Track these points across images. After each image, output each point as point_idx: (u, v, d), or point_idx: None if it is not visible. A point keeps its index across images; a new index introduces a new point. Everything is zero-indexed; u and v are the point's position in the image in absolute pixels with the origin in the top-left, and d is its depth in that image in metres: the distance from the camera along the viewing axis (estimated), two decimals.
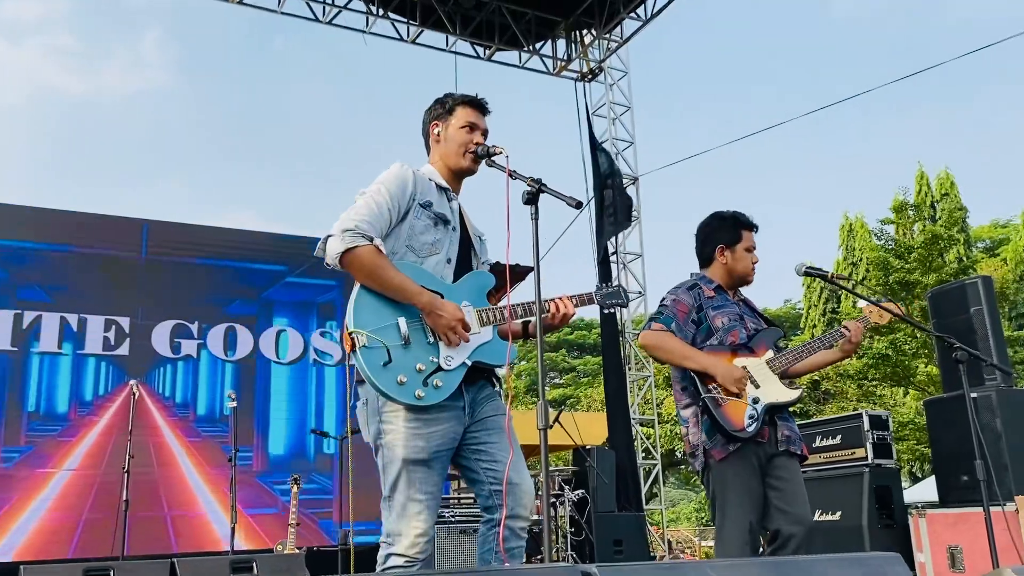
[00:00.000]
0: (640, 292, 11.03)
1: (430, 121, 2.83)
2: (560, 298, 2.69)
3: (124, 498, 4.97)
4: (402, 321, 2.47)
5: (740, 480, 3.25)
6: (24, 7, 63.87)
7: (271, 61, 69.91)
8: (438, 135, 2.79)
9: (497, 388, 2.68)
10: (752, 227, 3.61)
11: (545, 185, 2.37)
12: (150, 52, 67.07)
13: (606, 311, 3.16)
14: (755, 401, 3.28)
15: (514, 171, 2.50)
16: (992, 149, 52.77)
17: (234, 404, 5.54)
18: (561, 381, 39.32)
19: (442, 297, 2.54)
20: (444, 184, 2.74)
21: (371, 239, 2.45)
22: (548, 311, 2.65)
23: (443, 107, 2.81)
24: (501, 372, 2.74)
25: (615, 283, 2.73)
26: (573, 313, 2.67)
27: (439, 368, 2.50)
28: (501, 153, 2.62)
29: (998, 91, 53.43)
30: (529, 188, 2.37)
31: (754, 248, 3.57)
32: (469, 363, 2.55)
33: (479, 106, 2.80)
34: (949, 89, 56.91)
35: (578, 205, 2.31)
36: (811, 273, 3.37)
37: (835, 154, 61.07)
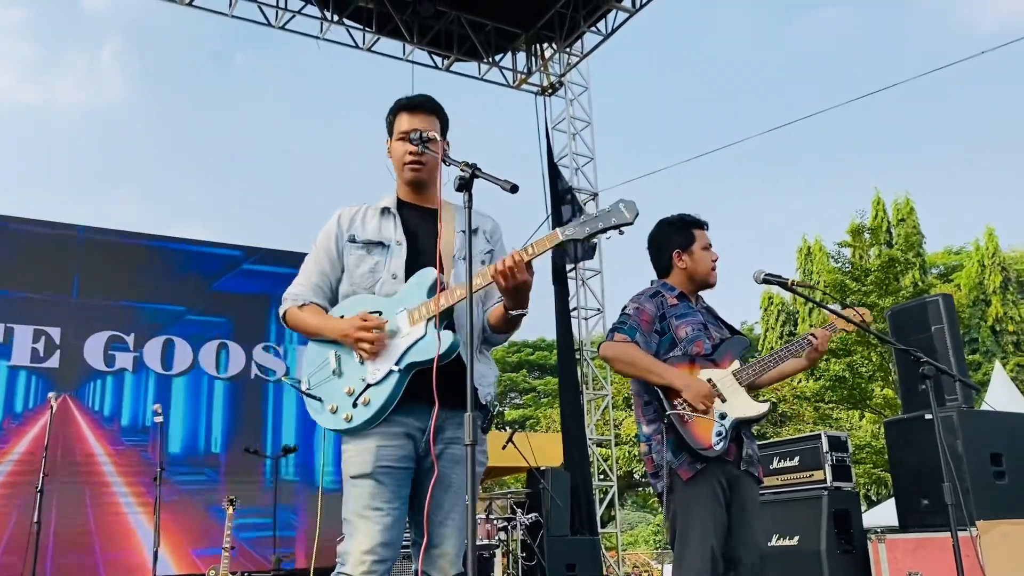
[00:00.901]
0: (599, 309, 10.84)
1: (386, 140, 2.71)
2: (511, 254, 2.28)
3: (35, 520, 4.58)
4: (331, 354, 2.48)
5: (705, 502, 3.04)
6: None
7: (230, 77, 69.14)
8: (388, 152, 2.69)
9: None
10: (702, 225, 3.44)
11: (479, 169, 2.14)
12: (108, 64, 65.90)
13: (590, 241, 2.63)
14: (722, 417, 3.08)
15: (447, 156, 2.27)
16: (945, 176, 53.97)
17: (160, 419, 5.18)
18: (521, 401, 38.99)
19: (380, 315, 2.43)
20: (387, 205, 2.63)
21: (288, 299, 2.59)
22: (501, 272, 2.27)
23: (387, 123, 2.69)
24: (486, 396, 2.42)
25: (605, 207, 2.23)
26: (520, 263, 2.24)
27: (368, 385, 2.39)
28: (435, 140, 2.43)
29: (952, 118, 54.72)
30: (462, 173, 2.14)
31: (710, 246, 3.41)
32: (398, 368, 2.35)
33: (409, 108, 2.60)
34: (905, 115, 58.10)
35: (513, 189, 2.08)
36: (771, 280, 3.17)
37: (793, 176, 62.01)
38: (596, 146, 11.26)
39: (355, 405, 2.36)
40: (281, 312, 2.62)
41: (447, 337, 2.29)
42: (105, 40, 66.26)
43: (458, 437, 2.38)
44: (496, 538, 7.82)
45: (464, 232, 2.48)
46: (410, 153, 2.54)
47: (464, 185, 2.13)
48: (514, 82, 11.39)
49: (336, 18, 10.21)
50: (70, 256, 7.73)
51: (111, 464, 7.31)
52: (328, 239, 2.61)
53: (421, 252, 2.53)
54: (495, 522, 7.93)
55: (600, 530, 11.17)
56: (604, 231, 2.21)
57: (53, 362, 7.45)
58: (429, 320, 2.34)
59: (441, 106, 2.62)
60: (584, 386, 10.63)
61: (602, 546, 9.78)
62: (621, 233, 2.22)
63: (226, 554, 6.27)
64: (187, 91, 70.60)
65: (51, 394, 5.24)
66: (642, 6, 10.14)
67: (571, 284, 10.59)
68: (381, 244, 2.55)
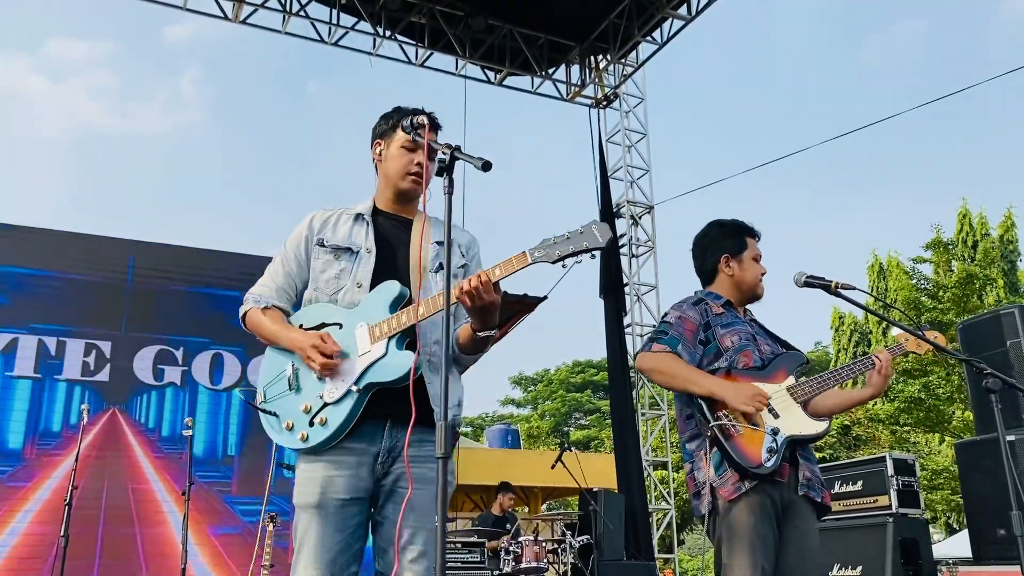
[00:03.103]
0: (655, 326, 10.49)
1: (374, 139, 2.60)
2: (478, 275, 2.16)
3: (62, 533, 4.53)
4: (289, 365, 2.35)
5: (752, 526, 2.73)
6: (69, 47, 65.40)
7: (304, 105, 70.78)
8: (380, 154, 2.57)
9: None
10: (756, 234, 3.19)
11: (459, 150, 1.96)
12: (188, 92, 68.29)
13: (562, 265, 2.32)
14: (774, 432, 2.77)
15: (434, 141, 2.11)
16: None
17: (190, 432, 5.10)
18: (586, 422, 38.58)
19: (340, 327, 2.32)
20: (362, 211, 2.52)
21: (250, 301, 2.48)
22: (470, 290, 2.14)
23: (387, 123, 2.56)
24: (452, 416, 2.25)
25: (576, 228, 2.10)
26: (487, 283, 2.12)
27: (325, 404, 2.26)
28: (423, 125, 2.32)
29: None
30: (442, 156, 1.96)
31: (760, 257, 3.16)
32: (356, 388, 2.23)
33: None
34: (986, 122, 55.85)
35: (485, 166, 1.89)
36: (812, 283, 2.88)
37: (862, 189, 60.16)
38: (652, 158, 11.00)
39: (311, 424, 2.23)
40: (241, 312, 2.50)
41: (406, 359, 2.19)
42: (184, 70, 68.71)
43: (422, 455, 2.22)
44: (544, 561, 7.58)
45: (440, 243, 2.39)
46: (417, 164, 2.45)
47: (443, 170, 1.95)
48: (568, 95, 11.21)
49: (388, 34, 10.21)
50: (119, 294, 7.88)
51: (154, 472, 7.41)
52: (298, 241, 2.50)
53: (391, 262, 2.42)
54: (544, 544, 7.68)
55: (667, 555, 10.80)
56: (575, 254, 2.09)
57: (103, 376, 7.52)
58: (391, 339, 2.23)
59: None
60: (640, 406, 10.30)
61: (658, 572, 9.39)
62: (592, 257, 2.09)
63: (266, 572, 6.16)
64: (262, 119, 72.68)
65: (84, 406, 5.21)
66: (698, 13, 9.87)
67: (627, 300, 10.31)
68: (349, 250, 2.44)
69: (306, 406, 2.26)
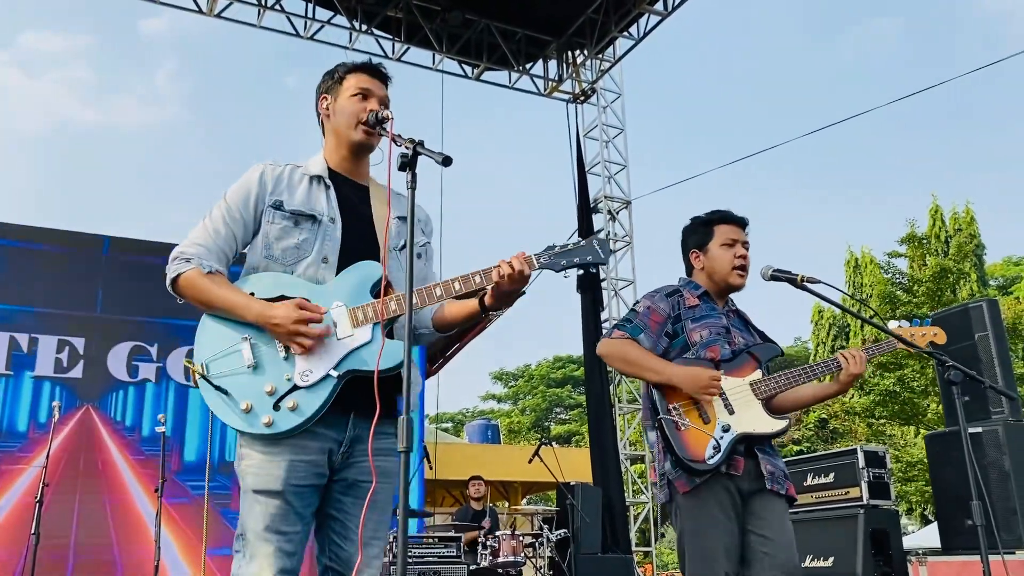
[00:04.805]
0: None
1: (319, 95, 2.40)
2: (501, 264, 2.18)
3: (32, 531, 4.48)
4: (245, 341, 2.13)
5: (710, 518, 2.74)
6: (44, 40, 64.52)
7: (282, 99, 70.29)
8: (327, 108, 2.37)
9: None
10: (730, 220, 3.10)
11: (422, 144, 1.95)
12: (164, 85, 67.62)
13: (564, 275, 2.43)
14: (725, 429, 2.76)
15: (397, 135, 2.07)
16: (1006, 184, 52.21)
17: (163, 429, 5.06)
18: (566, 417, 38.64)
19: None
20: (319, 172, 2.31)
21: (192, 261, 2.17)
22: (499, 275, 2.17)
23: (332, 77, 2.38)
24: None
25: (578, 240, 2.23)
26: (531, 266, 2.17)
27: (295, 387, 2.09)
28: (389, 119, 2.19)
29: (1011, 124, 52.97)
30: (404, 151, 1.94)
31: (736, 242, 3.05)
32: (336, 374, 2.09)
33: (374, 71, 2.37)
34: (959, 119, 56.39)
35: (445, 161, 1.89)
36: (779, 277, 2.89)
37: (838, 187, 60.53)
38: (629, 153, 11.03)
39: (277, 408, 2.05)
40: (173, 273, 2.17)
41: (397, 348, 2.07)
42: (161, 62, 68.01)
43: (385, 448, 2.15)
44: (522, 555, 7.59)
45: (401, 219, 2.30)
46: (370, 111, 2.25)
47: (406, 165, 1.93)
48: (545, 90, 11.22)
49: (365, 28, 10.16)
50: (94, 272, 7.75)
51: (131, 472, 7.30)
52: (247, 198, 2.24)
53: (357, 236, 2.24)
54: (521, 538, 7.69)
55: (646, 548, 10.84)
56: (578, 266, 2.21)
57: (76, 372, 7.44)
58: (376, 325, 2.13)
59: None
60: (617, 399, 10.33)
61: (635, 565, 9.44)
62: (594, 271, 2.17)
63: None
64: (239, 112, 72.09)
65: (55, 403, 5.16)
66: (674, 8, 9.90)
67: (604, 295, 10.33)
68: (313, 218, 2.23)
69: (270, 387, 2.07)
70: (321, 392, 2.08)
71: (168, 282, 2.19)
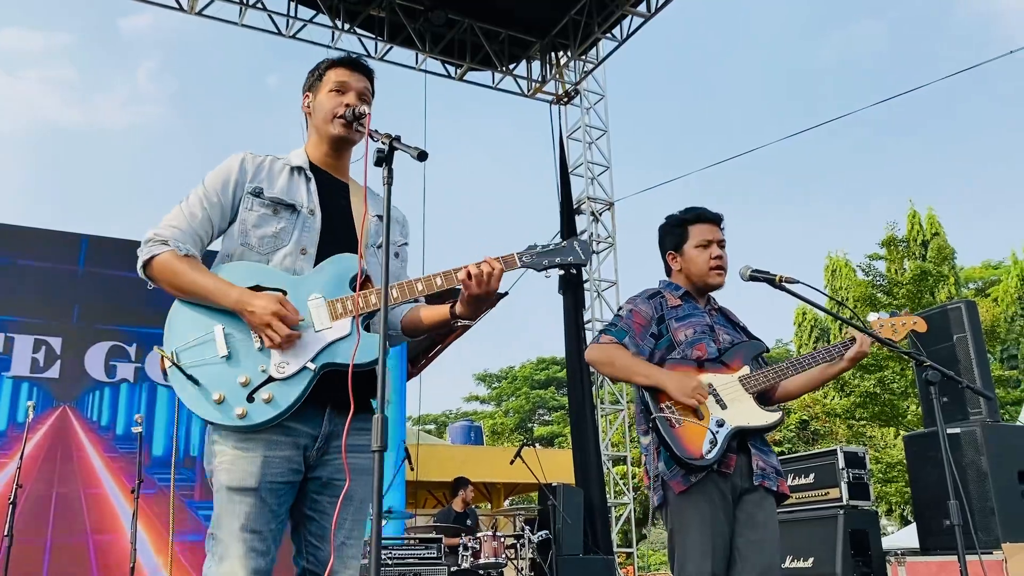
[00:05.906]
0: None
1: (303, 93, 2.42)
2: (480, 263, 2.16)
3: (5, 533, 4.42)
4: (218, 330, 2.08)
5: (703, 520, 2.74)
6: (25, 38, 63.85)
7: (264, 98, 69.95)
8: (308, 106, 2.38)
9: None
10: (705, 218, 3.09)
11: (398, 140, 1.93)
12: (146, 84, 67.05)
13: (545, 275, 2.41)
14: (719, 424, 2.77)
15: (374, 131, 2.06)
16: (981, 189, 52.79)
17: (140, 429, 5.01)
18: (550, 418, 38.65)
19: (285, 294, 2.10)
20: (300, 163, 2.31)
21: (169, 243, 2.12)
22: (475, 274, 2.14)
23: (314, 74, 2.39)
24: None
25: (559, 241, 2.24)
26: (500, 271, 2.15)
27: (270, 378, 2.04)
28: (367, 115, 2.20)
29: (985, 131, 53.54)
30: (381, 146, 1.92)
31: (711, 242, 3.04)
32: (313, 367, 2.05)
33: (352, 65, 2.35)
34: (936, 126, 56.93)
35: (421, 156, 1.87)
36: (757, 277, 2.89)
37: (819, 192, 60.94)
38: (612, 154, 11.04)
39: (251, 400, 2.00)
40: (147, 255, 2.12)
41: (374, 344, 2.02)
42: (142, 61, 67.51)
43: (359, 445, 2.11)
44: (503, 556, 7.57)
45: (379, 217, 2.29)
46: (346, 105, 2.25)
47: (382, 160, 1.91)
48: (529, 91, 11.21)
49: (347, 27, 10.12)
50: (70, 289, 7.69)
51: (106, 470, 7.26)
52: (226, 184, 2.21)
53: (335, 230, 2.22)
54: (502, 539, 7.67)
55: (628, 549, 10.83)
56: (559, 266, 2.23)
57: (53, 372, 7.36)
58: (354, 319, 2.10)
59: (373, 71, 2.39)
60: (599, 401, 10.33)
61: (617, 566, 9.44)
62: (575, 272, 2.16)
63: None
64: (221, 112, 71.66)
65: (29, 403, 5.09)
66: (658, 10, 9.92)
67: (586, 296, 10.33)
68: (292, 208, 2.21)
69: (245, 379, 2.03)
70: (297, 385, 2.04)
71: (140, 264, 2.14)
